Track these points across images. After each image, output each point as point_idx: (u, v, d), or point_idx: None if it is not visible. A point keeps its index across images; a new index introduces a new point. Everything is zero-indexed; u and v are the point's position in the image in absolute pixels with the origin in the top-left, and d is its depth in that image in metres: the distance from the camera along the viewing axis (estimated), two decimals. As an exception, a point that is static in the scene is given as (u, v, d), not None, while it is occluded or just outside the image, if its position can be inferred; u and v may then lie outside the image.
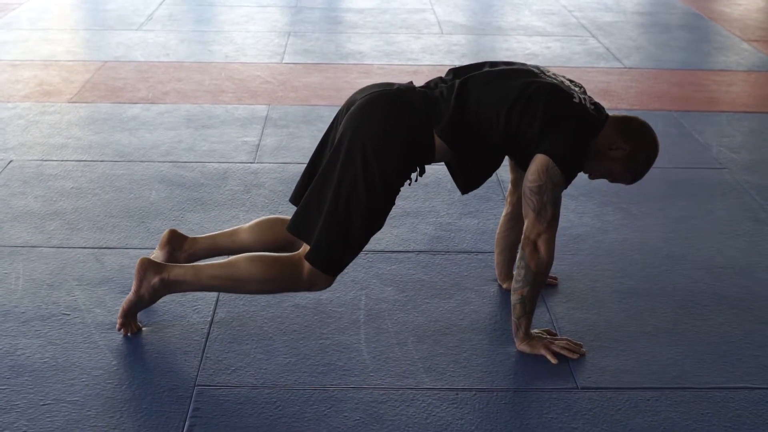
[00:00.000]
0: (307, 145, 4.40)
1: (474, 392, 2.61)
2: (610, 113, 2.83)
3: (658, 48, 6.63)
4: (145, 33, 6.65)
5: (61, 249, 3.38)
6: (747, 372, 2.74)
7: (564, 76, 2.86)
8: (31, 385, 2.58)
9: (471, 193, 3.49)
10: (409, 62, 6.06)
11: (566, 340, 2.81)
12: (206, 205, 3.80)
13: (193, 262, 2.98)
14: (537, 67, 2.85)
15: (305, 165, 2.88)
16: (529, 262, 2.71)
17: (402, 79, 5.18)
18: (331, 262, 2.72)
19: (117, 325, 2.83)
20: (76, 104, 5.04)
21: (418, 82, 3.10)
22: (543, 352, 2.76)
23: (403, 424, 2.47)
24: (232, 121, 4.82)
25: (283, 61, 6.02)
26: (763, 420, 2.52)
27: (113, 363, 2.70)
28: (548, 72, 2.83)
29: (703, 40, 6.96)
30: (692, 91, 5.57)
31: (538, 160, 2.67)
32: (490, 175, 2.85)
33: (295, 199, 2.86)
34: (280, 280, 2.75)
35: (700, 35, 7.08)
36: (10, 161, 4.20)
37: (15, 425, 2.42)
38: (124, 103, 5.08)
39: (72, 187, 3.93)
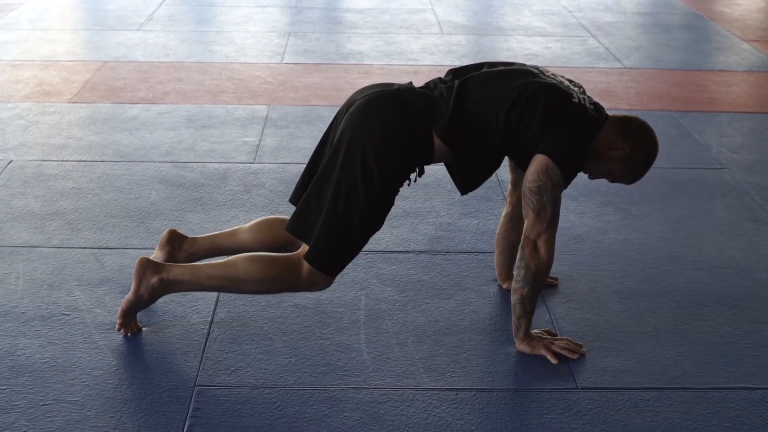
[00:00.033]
0: (307, 146, 4.40)
1: (474, 392, 2.61)
2: (610, 113, 2.83)
3: (658, 48, 6.63)
4: (145, 33, 6.65)
5: (61, 249, 3.38)
6: (747, 372, 2.74)
7: (563, 77, 2.86)
8: (31, 386, 2.58)
9: (471, 194, 3.49)
10: (409, 62, 6.06)
11: (566, 340, 2.81)
12: (206, 205, 3.80)
13: (192, 262, 2.98)
14: (536, 68, 2.85)
15: (305, 165, 2.88)
16: (529, 263, 2.71)
17: (402, 80, 5.19)
18: (330, 262, 2.72)
19: (116, 326, 2.83)
20: (76, 104, 5.04)
21: (418, 82, 3.10)
22: (543, 352, 2.76)
23: (403, 424, 2.47)
24: (232, 122, 4.82)
25: (283, 62, 6.02)
26: (763, 420, 2.52)
27: (113, 363, 2.70)
28: (547, 72, 2.83)
29: (703, 41, 6.96)
30: (692, 92, 5.57)
31: (538, 161, 2.67)
32: (490, 176, 2.85)
33: (294, 199, 2.86)
34: (279, 280, 2.75)
35: (700, 35, 7.09)
36: (10, 161, 4.20)
37: (15, 425, 2.42)
38: (124, 103, 5.08)
39: (72, 188, 3.93)
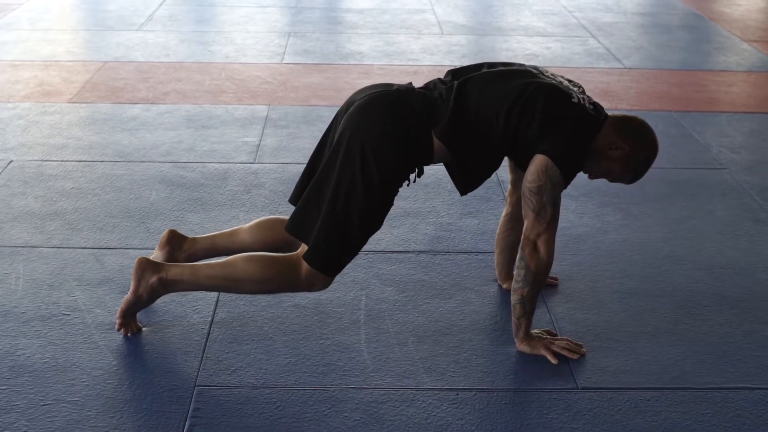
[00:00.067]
0: (307, 146, 4.40)
1: (474, 392, 2.61)
2: (610, 113, 2.83)
3: (658, 48, 6.63)
4: (145, 33, 6.65)
5: (61, 249, 3.38)
6: (747, 372, 2.74)
7: (563, 77, 2.86)
8: (32, 386, 2.58)
9: (471, 194, 3.49)
10: (410, 63, 6.06)
11: (566, 340, 2.81)
12: (206, 205, 3.80)
13: (192, 262, 2.98)
14: (535, 68, 2.85)
15: (305, 165, 2.88)
16: (529, 263, 2.71)
17: (402, 80, 5.19)
18: (329, 262, 2.72)
19: (116, 326, 2.83)
20: (77, 104, 5.04)
21: (418, 82, 3.10)
22: (543, 352, 2.76)
23: (403, 424, 2.47)
24: (232, 122, 4.82)
25: (283, 62, 6.02)
26: (763, 420, 2.52)
27: (113, 363, 2.70)
28: (547, 72, 2.83)
29: (704, 41, 6.96)
30: (692, 92, 5.57)
31: (537, 161, 2.67)
32: (489, 176, 2.85)
33: (294, 200, 2.86)
34: (278, 280, 2.75)
35: (700, 36, 7.09)
36: (11, 161, 4.21)
37: (15, 425, 2.42)
38: (125, 103, 5.08)
39: (72, 188, 3.94)
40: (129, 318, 2.82)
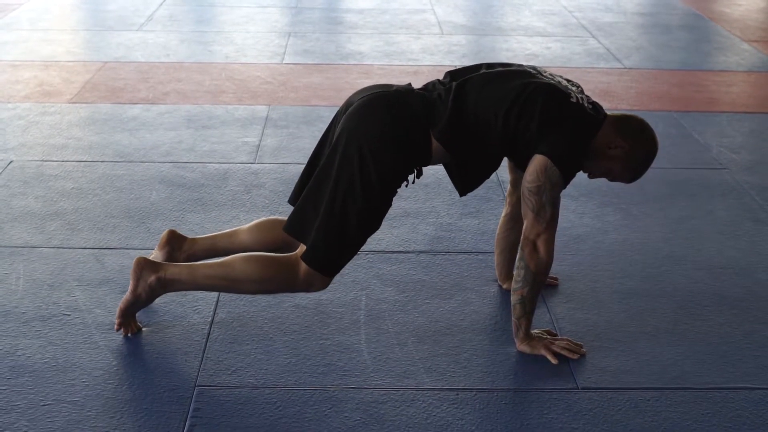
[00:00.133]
0: (307, 146, 4.40)
1: (474, 392, 2.62)
2: (609, 112, 2.83)
3: (658, 48, 6.63)
4: (145, 33, 6.65)
5: (61, 249, 3.38)
6: (747, 372, 2.74)
7: (561, 76, 2.86)
8: (32, 386, 2.59)
9: (471, 194, 3.49)
10: (410, 63, 6.06)
11: (566, 340, 2.81)
12: (206, 205, 3.80)
13: (191, 262, 2.98)
14: (534, 68, 2.85)
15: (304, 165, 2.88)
16: (529, 263, 2.71)
17: (402, 80, 5.19)
18: (327, 262, 2.72)
19: (115, 325, 2.83)
20: (77, 105, 5.05)
21: (418, 82, 3.10)
22: (543, 352, 2.76)
23: (403, 424, 2.47)
24: (232, 122, 4.82)
25: (284, 62, 6.02)
26: (763, 420, 2.52)
27: (113, 363, 2.70)
28: (545, 72, 2.83)
29: (704, 41, 6.96)
30: (692, 92, 5.57)
31: (537, 161, 2.67)
32: (489, 177, 2.85)
33: (293, 200, 2.86)
34: (276, 280, 2.75)
35: (700, 36, 7.09)
36: (11, 162, 4.21)
37: (15, 425, 2.42)
38: (125, 103, 5.08)
39: (72, 188, 3.94)
40: (128, 318, 2.83)
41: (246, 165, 4.24)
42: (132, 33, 6.65)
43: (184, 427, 2.44)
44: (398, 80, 5.08)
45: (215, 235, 3.03)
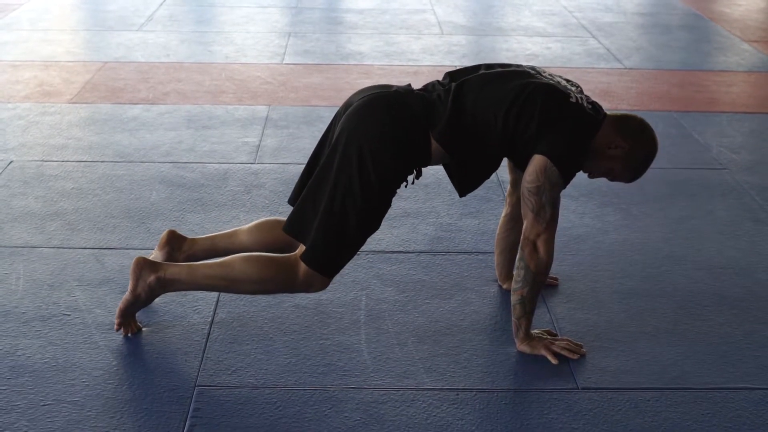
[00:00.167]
0: (307, 146, 4.40)
1: (474, 392, 2.62)
2: (609, 112, 2.83)
3: (658, 49, 6.63)
4: (145, 34, 6.65)
5: (61, 249, 3.38)
6: (747, 372, 2.74)
7: (561, 77, 2.86)
8: (32, 386, 2.59)
9: (471, 194, 3.49)
10: (410, 63, 6.06)
11: (566, 340, 2.81)
12: (207, 205, 3.80)
13: (191, 262, 2.98)
14: (533, 68, 2.85)
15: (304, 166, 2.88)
16: (529, 263, 2.71)
17: (402, 80, 5.19)
18: (326, 263, 2.72)
19: (115, 325, 2.83)
20: (77, 105, 5.05)
21: (419, 82, 3.11)
22: (543, 352, 2.76)
23: (403, 424, 2.47)
24: (232, 122, 4.82)
25: (284, 62, 6.02)
26: (763, 420, 2.52)
27: (113, 363, 2.70)
28: (544, 73, 2.83)
29: (704, 41, 6.96)
30: (692, 92, 5.57)
31: (536, 161, 2.67)
32: (488, 177, 2.85)
33: (293, 200, 2.86)
34: (275, 280, 2.75)
35: (700, 36, 7.09)
36: (11, 162, 4.21)
37: (15, 425, 2.42)
38: (125, 103, 5.08)
39: (72, 188, 3.94)
40: (128, 317, 2.83)
41: (246, 165, 4.24)
42: (132, 33, 6.65)
43: (184, 427, 2.44)
44: (398, 80, 5.08)
45: (215, 236, 3.03)
